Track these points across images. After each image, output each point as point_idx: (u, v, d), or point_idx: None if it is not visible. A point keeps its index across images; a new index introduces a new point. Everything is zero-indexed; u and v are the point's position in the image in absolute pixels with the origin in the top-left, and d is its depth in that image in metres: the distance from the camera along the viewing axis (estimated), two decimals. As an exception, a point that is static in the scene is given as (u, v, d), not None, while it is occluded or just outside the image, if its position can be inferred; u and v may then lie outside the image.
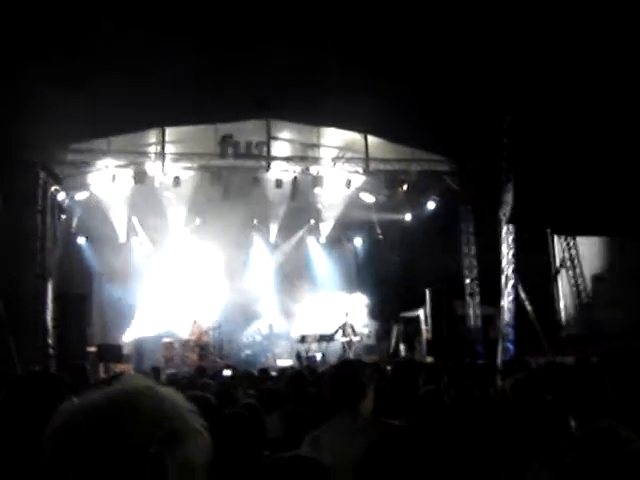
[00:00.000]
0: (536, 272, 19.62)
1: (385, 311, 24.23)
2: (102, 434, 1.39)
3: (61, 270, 21.20)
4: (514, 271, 19.81)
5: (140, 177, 20.18)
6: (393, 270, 24.33)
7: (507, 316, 19.91)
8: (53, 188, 19.97)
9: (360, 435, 4.10)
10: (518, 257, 19.71)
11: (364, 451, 3.96)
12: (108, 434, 1.39)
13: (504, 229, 19.97)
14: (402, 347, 23.16)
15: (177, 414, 1.46)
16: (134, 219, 24.13)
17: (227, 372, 17.91)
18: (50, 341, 18.95)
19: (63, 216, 21.50)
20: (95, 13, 15.13)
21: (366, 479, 3.67)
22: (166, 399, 1.48)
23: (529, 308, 19.17)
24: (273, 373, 13.25)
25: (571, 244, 20.75)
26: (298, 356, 22.59)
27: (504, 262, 20.02)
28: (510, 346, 19.64)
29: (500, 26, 16.15)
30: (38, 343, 18.36)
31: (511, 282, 19.87)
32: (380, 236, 25.74)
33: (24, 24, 14.93)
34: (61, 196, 20.68)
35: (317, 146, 21.23)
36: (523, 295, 19.51)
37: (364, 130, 20.67)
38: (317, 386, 7.91)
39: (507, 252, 20.01)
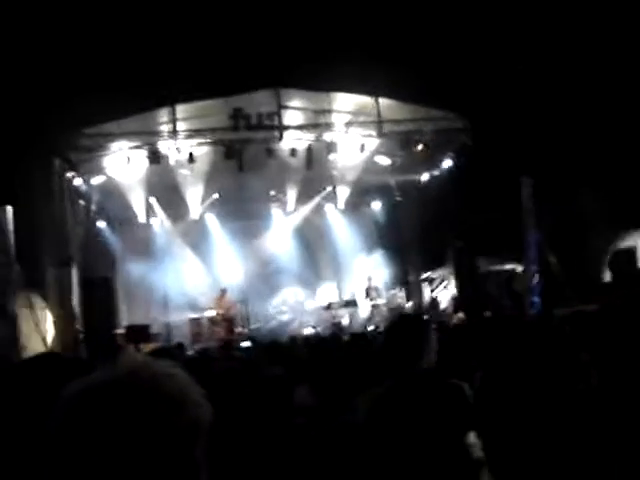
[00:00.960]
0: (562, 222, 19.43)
1: (409, 273, 24.24)
2: (107, 407, 1.43)
3: (84, 255, 21.34)
4: (537, 223, 19.72)
5: (154, 157, 20.20)
6: (414, 231, 24.28)
7: (532, 269, 19.85)
8: (69, 174, 20.04)
9: (424, 396, 4.04)
10: (538, 209, 19.59)
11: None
12: (112, 406, 1.43)
13: (523, 182, 19.83)
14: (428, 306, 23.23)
15: (174, 384, 1.50)
16: (152, 199, 24.20)
17: (246, 344, 18.13)
18: (78, 326, 19.11)
19: (81, 202, 21.61)
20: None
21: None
22: (161, 371, 1.52)
23: (552, 259, 19.08)
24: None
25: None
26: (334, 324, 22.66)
27: (525, 214, 19.92)
28: (536, 299, 19.59)
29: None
30: (67, 329, 18.52)
31: (533, 234, 19.78)
32: (398, 198, 25.69)
33: (32, 13, 14.90)
34: (77, 182, 20.76)
35: (329, 112, 21.09)
36: (546, 246, 19.43)
37: (375, 92, 20.49)
38: (345, 351, 7.91)
39: (527, 204, 19.90)
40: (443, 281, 22.81)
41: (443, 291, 22.97)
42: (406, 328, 4.34)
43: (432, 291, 23.44)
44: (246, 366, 5.82)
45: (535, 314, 17.81)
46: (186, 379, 1.55)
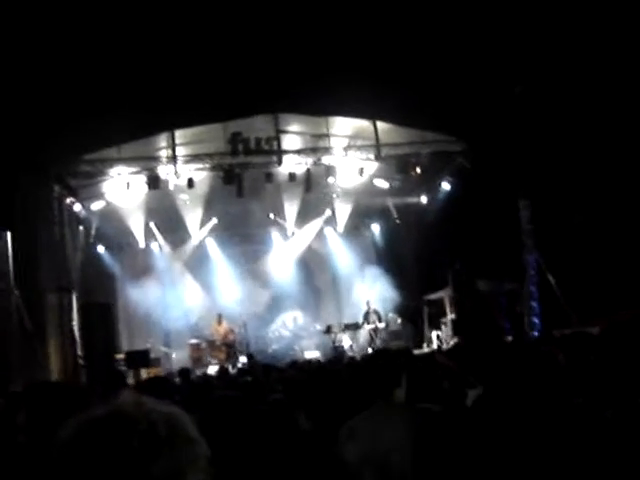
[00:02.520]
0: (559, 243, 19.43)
1: (408, 295, 24.21)
2: (103, 446, 1.46)
3: (84, 280, 21.38)
4: (535, 245, 19.75)
5: (154, 182, 20.26)
6: (413, 253, 24.29)
7: (531, 290, 19.86)
8: (68, 200, 20.12)
9: (398, 423, 4.12)
10: (538, 230, 19.64)
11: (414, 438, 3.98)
12: (107, 445, 1.46)
13: (521, 204, 19.89)
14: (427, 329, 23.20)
15: (167, 422, 1.52)
16: (151, 224, 24.28)
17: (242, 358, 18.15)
18: (79, 352, 19.09)
19: (81, 227, 21.67)
20: (100, 22, 15.16)
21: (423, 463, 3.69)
22: (155, 411, 1.54)
23: (552, 280, 19.07)
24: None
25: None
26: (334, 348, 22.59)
27: (524, 236, 19.96)
28: (536, 320, 19.58)
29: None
30: (67, 355, 18.50)
31: (532, 256, 19.81)
32: (397, 221, 25.75)
33: (31, 38, 14.99)
34: (77, 207, 20.84)
35: (327, 136, 21.18)
36: (545, 267, 19.43)
37: (373, 116, 20.60)
38: (345, 375, 7.90)
39: (526, 226, 19.95)
40: (443, 303, 22.77)
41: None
42: (379, 363, 4.49)
43: (431, 314, 23.39)
44: (246, 392, 5.82)
45: (535, 335, 17.79)
46: (180, 417, 1.58)
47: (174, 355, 23.35)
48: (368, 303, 23.67)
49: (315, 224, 26.58)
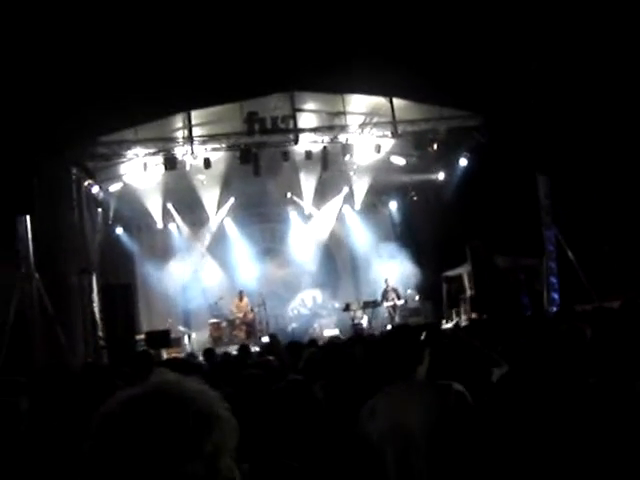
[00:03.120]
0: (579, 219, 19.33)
1: (427, 272, 24.19)
2: (144, 423, 1.50)
3: (103, 262, 21.52)
4: (554, 220, 19.67)
5: (171, 163, 20.29)
6: (431, 230, 24.23)
7: (550, 265, 19.81)
8: (87, 182, 20.20)
9: (420, 400, 4.11)
10: (556, 206, 19.56)
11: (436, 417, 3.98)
12: (148, 422, 1.50)
13: (539, 179, 19.80)
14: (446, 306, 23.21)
15: (203, 401, 1.56)
16: (169, 205, 24.37)
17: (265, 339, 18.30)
18: (100, 333, 19.23)
19: (99, 209, 21.76)
20: (117, 3, 15.14)
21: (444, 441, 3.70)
22: (192, 388, 1.59)
23: (571, 255, 19.01)
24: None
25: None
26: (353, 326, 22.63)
27: (542, 211, 19.88)
28: (556, 296, 19.55)
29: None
30: (88, 336, 18.65)
31: (551, 231, 19.74)
32: (415, 198, 25.70)
33: (49, 23, 15.00)
34: (95, 189, 20.92)
35: (343, 114, 21.13)
36: (564, 242, 19.36)
37: (389, 93, 20.51)
38: (359, 353, 7.90)
39: (544, 201, 19.86)
40: (462, 280, 22.75)
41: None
42: (400, 340, 4.42)
43: (450, 291, 23.37)
44: (269, 371, 5.84)
45: (554, 311, 17.74)
46: (214, 395, 1.61)
47: (194, 335, 23.46)
48: (386, 281, 23.68)
49: (332, 202, 26.57)
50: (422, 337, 4.82)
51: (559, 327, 5.74)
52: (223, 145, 20.71)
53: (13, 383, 4.91)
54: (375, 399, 4.34)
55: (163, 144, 20.42)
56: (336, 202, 26.67)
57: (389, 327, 21.29)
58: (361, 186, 25.42)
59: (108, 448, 1.50)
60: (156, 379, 1.62)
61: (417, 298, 24.39)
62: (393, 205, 27.36)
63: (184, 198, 23.97)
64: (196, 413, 1.53)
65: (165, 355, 19.08)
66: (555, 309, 18.28)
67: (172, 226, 25.48)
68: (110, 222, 23.08)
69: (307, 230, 26.66)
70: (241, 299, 23.65)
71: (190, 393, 1.57)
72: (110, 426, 1.52)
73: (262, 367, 5.87)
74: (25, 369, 12.65)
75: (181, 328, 23.35)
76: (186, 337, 23.10)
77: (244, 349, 12.02)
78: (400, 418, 4.06)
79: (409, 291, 24.27)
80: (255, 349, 15.65)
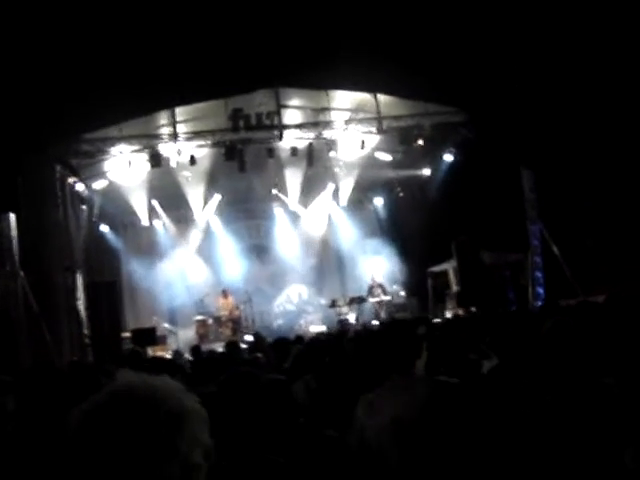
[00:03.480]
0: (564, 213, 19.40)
1: (413, 268, 24.24)
2: (113, 430, 1.49)
3: (88, 259, 21.44)
4: (539, 215, 19.75)
5: (155, 160, 20.23)
6: (417, 226, 24.27)
7: (535, 260, 19.88)
8: (71, 180, 20.10)
9: (420, 395, 4.08)
10: (541, 200, 19.64)
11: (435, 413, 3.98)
12: (118, 429, 1.49)
13: (524, 174, 19.86)
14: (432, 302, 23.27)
15: (172, 400, 1.56)
16: (154, 202, 24.30)
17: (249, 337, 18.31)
18: (85, 331, 19.17)
19: (84, 206, 21.66)
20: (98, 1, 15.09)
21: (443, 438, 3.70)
22: (159, 387, 1.58)
23: (556, 250, 19.09)
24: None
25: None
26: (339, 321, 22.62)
27: (527, 206, 19.94)
28: (541, 290, 19.63)
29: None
30: (73, 334, 18.59)
31: (536, 226, 19.81)
32: (401, 194, 25.72)
33: (31, 19, 14.93)
34: (80, 187, 20.81)
35: (328, 110, 21.10)
36: (549, 237, 19.43)
37: (374, 89, 20.50)
38: (349, 347, 7.89)
39: (529, 196, 19.93)
40: (447, 275, 22.81)
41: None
42: (399, 333, 4.38)
43: (435, 286, 23.43)
44: (258, 368, 5.83)
45: (539, 305, 17.81)
46: (182, 391, 1.60)
47: (180, 333, 23.42)
48: (372, 277, 23.71)
49: (318, 198, 26.59)
50: (420, 331, 4.80)
51: (544, 322, 5.76)
52: (208, 142, 20.67)
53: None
54: (374, 394, 4.30)
55: (148, 141, 20.34)
56: (322, 198, 26.68)
57: (375, 322, 21.36)
58: (346, 182, 25.42)
59: (82, 460, 1.48)
60: (121, 382, 1.60)
61: (403, 294, 24.43)
62: (379, 201, 27.37)
63: (169, 195, 23.88)
64: (167, 413, 1.52)
65: (150, 352, 19.02)
66: (540, 304, 18.35)
67: (157, 223, 25.42)
68: (95, 219, 22.97)
69: (292, 226, 26.65)
70: (225, 297, 23.63)
71: (158, 393, 1.56)
72: (81, 437, 1.50)
73: (251, 364, 5.87)
74: (10, 368, 12.61)
75: (167, 325, 23.31)
76: (171, 335, 23.07)
77: (233, 345, 12.00)
78: (401, 413, 4.03)
79: (395, 287, 24.32)
80: (243, 346, 15.60)
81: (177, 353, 16.23)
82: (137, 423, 1.49)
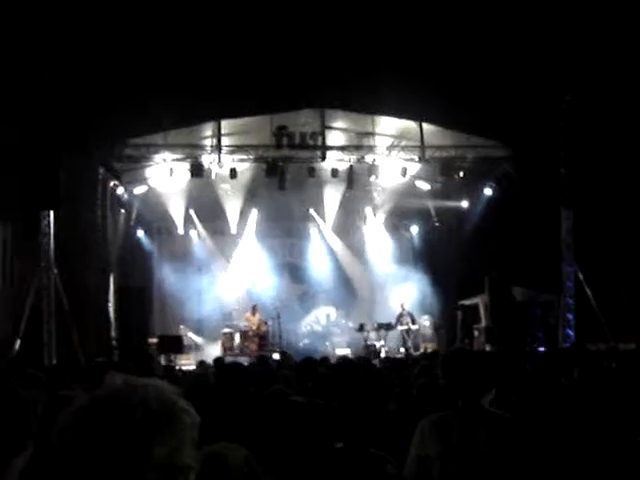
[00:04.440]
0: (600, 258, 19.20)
1: (443, 299, 24.11)
2: (89, 434, 1.48)
3: (122, 263, 21.62)
4: (574, 257, 19.58)
5: (197, 170, 20.39)
6: (450, 258, 24.17)
7: (567, 302, 19.68)
8: (112, 183, 20.32)
9: (480, 427, 4.11)
10: (578, 243, 19.47)
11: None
12: (93, 433, 1.48)
13: (563, 214, 19.71)
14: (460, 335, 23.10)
15: (157, 398, 1.55)
16: (191, 211, 24.46)
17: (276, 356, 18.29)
18: (113, 333, 19.30)
19: (122, 210, 21.89)
20: (155, 8, 15.29)
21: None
22: (140, 389, 1.56)
23: (590, 293, 18.88)
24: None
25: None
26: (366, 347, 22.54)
27: (563, 247, 19.78)
28: (570, 332, 19.41)
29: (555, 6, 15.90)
30: (101, 335, 18.73)
31: (571, 268, 19.63)
32: (437, 223, 25.65)
33: (85, 21, 15.16)
34: (120, 191, 21.05)
35: (372, 134, 21.18)
36: (583, 280, 19.24)
37: (419, 118, 20.51)
38: (375, 376, 7.87)
39: (566, 237, 19.77)
40: (478, 310, 22.63)
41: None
42: (461, 362, 4.39)
43: (465, 320, 23.26)
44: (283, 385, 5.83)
45: (568, 347, 17.62)
46: (170, 393, 1.60)
47: (205, 344, 23.48)
48: (402, 305, 23.58)
49: (354, 221, 26.60)
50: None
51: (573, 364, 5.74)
52: (250, 156, 20.81)
53: (31, 377, 4.93)
54: (438, 417, 4.31)
55: (191, 151, 20.53)
56: (358, 222, 26.69)
57: (402, 350, 21.30)
58: (384, 208, 25.42)
59: (61, 461, 1.49)
60: (108, 384, 1.60)
61: (431, 325, 24.29)
62: (414, 229, 27.31)
63: (207, 206, 24.04)
64: (145, 414, 1.51)
65: (178, 361, 19.16)
66: (568, 345, 18.15)
67: (193, 233, 25.57)
68: (132, 224, 23.20)
69: (326, 247, 26.65)
70: (254, 313, 23.55)
71: (137, 398, 1.53)
72: (61, 438, 1.51)
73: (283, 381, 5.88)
74: (35, 362, 12.74)
75: (192, 336, 23.38)
76: (197, 345, 23.17)
77: (263, 359, 12.07)
78: (460, 441, 4.07)
79: (425, 317, 24.17)
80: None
81: (202, 364, 16.24)
82: (111, 424, 1.48)
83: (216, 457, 2.59)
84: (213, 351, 21.74)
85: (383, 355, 20.47)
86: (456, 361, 4.38)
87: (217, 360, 12.51)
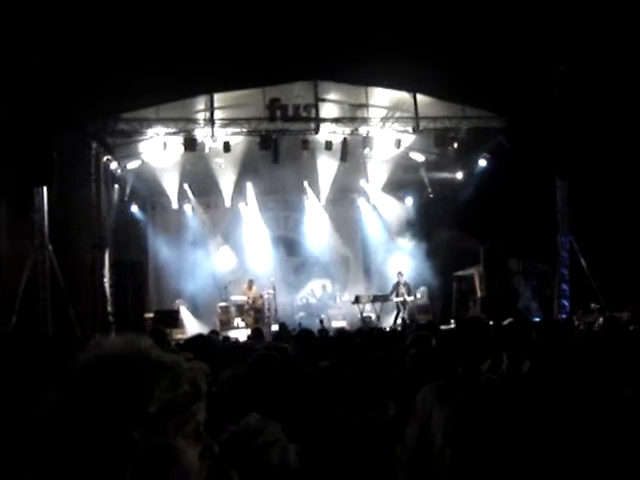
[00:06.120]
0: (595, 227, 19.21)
1: (438, 271, 24.13)
2: (84, 389, 1.49)
3: (116, 238, 21.59)
4: (569, 227, 19.60)
5: (190, 144, 20.30)
6: (445, 229, 24.17)
7: (562, 272, 19.73)
8: (105, 158, 20.24)
9: (481, 393, 4.16)
10: (573, 212, 19.49)
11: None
12: (88, 387, 1.48)
13: (558, 184, 19.71)
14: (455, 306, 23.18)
15: (142, 353, 1.55)
16: (185, 186, 24.39)
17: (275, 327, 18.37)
18: (109, 308, 19.31)
19: (116, 185, 21.83)
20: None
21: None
22: (138, 350, 1.57)
23: (584, 264, 18.93)
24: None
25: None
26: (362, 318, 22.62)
27: (559, 218, 19.80)
28: (566, 303, 19.48)
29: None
30: (97, 311, 18.73)
31: (566, 238, 19.66)
32: (431, 195, 25.62)
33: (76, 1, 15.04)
34: (113, 165, 20.98)
35: (366, 106, 21.09)
36: (578, 250, 19.28)
37: (413, 89, 20.43)
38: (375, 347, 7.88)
39: (561, 207, 19.78)
40: (473, 281, 22.70)
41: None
42: (471, 331, 4.45)
43: (460, 291, 23.33)
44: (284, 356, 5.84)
45: (563, 318, 17.69)
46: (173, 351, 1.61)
47: (202, 317, 23.56)
48: (400, 274, 23.51)
49: (349, 194, 26.59)
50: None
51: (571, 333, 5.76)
52: (244, 130, 20.70)
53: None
54: (442, 385, 4.36)
55: (184, 125, 20.41)
56: (352, 194, 26.68)
57: (399, 322, 21.37)
58: (378, 180, 25.36)
59: (55, 416, 1.49)
60: (97, 343, 1.60)
61: (426, 296, 24.31)
62: (409, 201, 27.24)
63: (201, 180, 23.98)
64: (136, 372, 1.51)
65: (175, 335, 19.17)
66: (564, 316, 18.23)
67: (187, 207, 25.49)
68: (126, 199, 23.13)
69: (321, 220, 26.62)
70: (250, 288, 23.53)
71: (134, 354, 1.55)
72: (60, 394, 1.51)
73: (279, 351, 5.85)
74: (32, 338, 12.74)
75: (185, 310, 23.44)
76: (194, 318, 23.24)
77: (258, 332, 12.06)
78: (467, 407, 4.12)
79: (422, 288, 24.17)
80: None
81: (200, 337, 16.25)
82: (104, 381, 1.49)
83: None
84: (210, 325, 21.79)
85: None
86: (472, 329, 4.46)
87: (211, 333, 12.47)
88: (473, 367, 4.32)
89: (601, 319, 12.06)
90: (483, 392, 4.20)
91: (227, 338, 13.46)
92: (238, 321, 22.79)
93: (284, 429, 2.58)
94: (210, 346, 5.23)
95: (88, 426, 1.45)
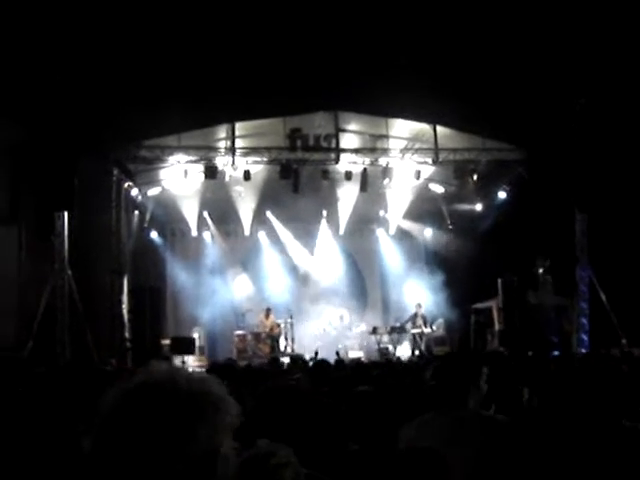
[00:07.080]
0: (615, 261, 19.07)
1: (456, 302, 24.01)
2: (136, 415, 1.53)
3: (135, 264, 21.65)
4: (588, 260, 19.48)
5: (211, 172, 20.41)
6: (464, 260, 24.09)
7: (581, 306, 19.59)
8: (126, 184, 20.37)
9: (468, 431, 4.10)
10: (592, 246, 19.38)
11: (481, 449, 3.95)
12: (141, 414, 1.53)
13: (577, 217, 19.62)
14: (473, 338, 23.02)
15: (201, 382, 1.61)
16: (205, 213, 24.50)
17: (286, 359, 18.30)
18: (127, 334, 19.34)
19: (136, 211, 21.95)
20: (169, 11, 15.32)
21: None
22: (183, 376, 1.62)
23: (604, 298, 18.78)
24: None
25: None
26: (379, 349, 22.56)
27: (578, 251, 19.69)
28: (585, 337, 19.31)
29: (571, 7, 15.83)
30: (114, 336, 18.77)
31: (585, 271, 19.54)
32: (450, 226, 25.59)
33: (98, 23, 15.20)
34: (134, 192, 21.10)
35: (386, 137, 21.16)
36: (597, 284, 19.13)
37: (433, 121, 20.49)
38: (396, 378, 7.85)
39: (580, 240, 19.68)
40: (491, 313, 22.55)
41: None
42: (456, 367, 4.41)
43: (478, 323, 23.17)
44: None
45: (582, 353, 17.53)
46: (209, 379, 1.66)
47: (218, 345, 23.54)
48: (419, 306, 23.46)
49: (368, 224, 26.61)
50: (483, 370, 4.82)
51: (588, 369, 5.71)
52: (264, 159, 20.80)
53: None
54: (427, 417, 4.31)
55: (205, 153, 20.56)
56: (371, 225, 26.71)
57: (416, 353, 21.26)
58: (398, 210, 25.37)
59: (103, 444, 1.52)
60: (148, 370, 1.64)
61: (443, 328, 24.19)
62: (428, 232, 27.22)
63: (221, 208, 24.09)
64: (188, 396, 1.55)
65: (190, 362, 19.18)
66: (584, 351, 18.07)
67: (206, 234, 25.61)
68: (145, 225, 23.24)
69: (340, 250, 26.63)
70: (267, 316, 23.50)
71: (182, 379, 1.59)
72: (105, 421, 1.55)
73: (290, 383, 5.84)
74: (48, 362, 12.76)
75: (206, 336, 23.43)
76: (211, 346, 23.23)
77: (275, 361, 12.06)
78: (449, 444, 4.05)
79: (439, 320, 24.06)
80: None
81: (214, 364, 16.24)
82: (155, 405, 1.53)
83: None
84: (226, 353, 21.77)
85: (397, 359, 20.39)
86: (450, 363, 4.42)
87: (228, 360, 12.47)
88: (457, 400, 4.27)
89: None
90: (465, 426, 4.15)
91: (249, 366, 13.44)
92: (255, 350, 22.76)
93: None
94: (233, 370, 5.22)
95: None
